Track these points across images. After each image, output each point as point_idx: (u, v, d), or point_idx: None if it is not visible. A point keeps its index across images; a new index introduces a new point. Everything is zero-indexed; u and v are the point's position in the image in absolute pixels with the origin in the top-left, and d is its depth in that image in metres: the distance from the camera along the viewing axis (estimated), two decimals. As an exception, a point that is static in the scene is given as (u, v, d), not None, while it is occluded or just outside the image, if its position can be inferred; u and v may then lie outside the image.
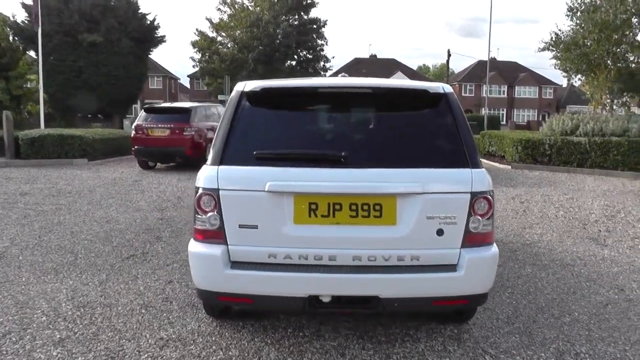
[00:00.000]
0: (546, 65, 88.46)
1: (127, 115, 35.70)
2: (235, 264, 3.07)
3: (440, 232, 3.07)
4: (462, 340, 3.50)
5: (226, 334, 3.55)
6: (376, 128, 3.39)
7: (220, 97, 28.50)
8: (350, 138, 3.35)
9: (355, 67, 69.31)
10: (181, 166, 14.08)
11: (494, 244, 3.22)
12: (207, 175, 3.15)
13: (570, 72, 20.67)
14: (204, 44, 40.16)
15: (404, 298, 3.05)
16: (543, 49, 21.09)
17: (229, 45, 40.38)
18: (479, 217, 3.11)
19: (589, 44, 18.70)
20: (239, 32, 39.41)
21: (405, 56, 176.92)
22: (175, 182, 11.36)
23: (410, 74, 69.17)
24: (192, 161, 13.36)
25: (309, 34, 41.61)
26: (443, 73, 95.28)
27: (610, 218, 7.82)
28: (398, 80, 4.76)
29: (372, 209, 3.05)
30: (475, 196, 3.09)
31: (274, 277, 3.02)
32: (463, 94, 60.79)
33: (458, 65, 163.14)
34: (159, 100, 46.60)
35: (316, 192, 3.05)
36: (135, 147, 13.30)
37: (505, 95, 63.38)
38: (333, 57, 47.93)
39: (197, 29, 42.77)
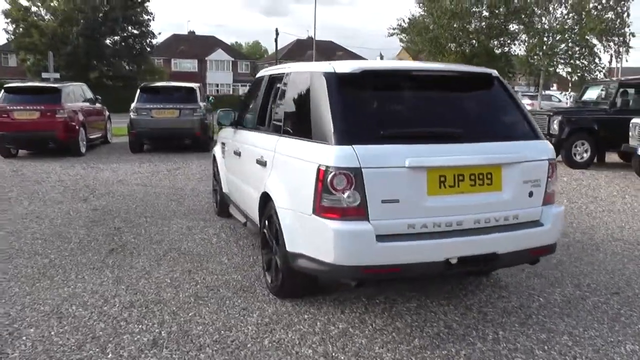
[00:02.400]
0: (358, 44, 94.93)
1: None
2: (380, 237, 3.23)
3: (530, 194, 3.63)
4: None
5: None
6: (468, 106, 3.79)
7: (44, 75, 25.26)
8: (453, 116, 3.71)
9: (175, 44, 66.83)
10: (47, 152, 12.58)
11: None
12: (341, 154, 3.19)
13: (421, 53, 23.11)
14: (17, 14, 34.94)
15: (514, 252, 3.54)
16: (392, 34, 23.27)
17: (47, 18, 35.76)
18: (552, 180, 3.76)
19: (433, 28, 21.16)
20: (56, 1, 35.15)
21: (214, 32, 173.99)
22: (59, 170, 10.25)
23: (228, 49, 69.14)
24: (64, 146, 12.07)
25: (134, 8, 38.94)
26: (257, 51, 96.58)
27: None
28: (461, 65, 5.23)
29: (485, 177, 3.47)
30: (550, 162, 3.73)
31: (417, 245, 3.26)
32: (287, 72, 62.53)
33: (270, 43, 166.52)
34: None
35: (445, 166, 3.35)
36: (-4, 132, 11.44)
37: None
38: (159, 34, 45.38)
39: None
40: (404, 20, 22.94)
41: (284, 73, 4.43)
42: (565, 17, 20.68)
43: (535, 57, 21.20)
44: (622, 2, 19.99)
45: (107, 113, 15.21)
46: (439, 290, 4.14)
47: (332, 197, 3.21)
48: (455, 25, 21.00)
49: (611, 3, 20.10)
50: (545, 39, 20.64)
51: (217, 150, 6.56)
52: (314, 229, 3.33)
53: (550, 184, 3.72)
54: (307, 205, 3.37)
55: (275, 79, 4.73)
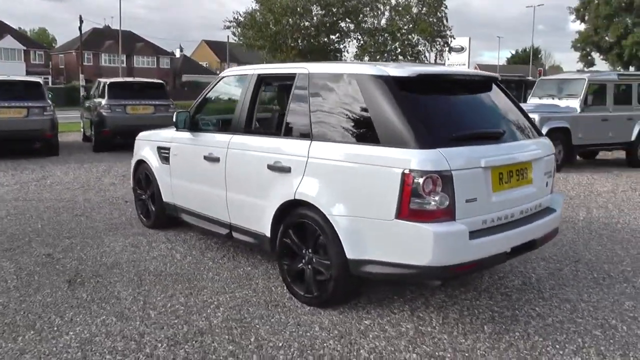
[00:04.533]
0: (161, 35, 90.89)
1: None
2: (470, 235, 3.34)
3: (547, 184, 4.11)
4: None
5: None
6: (498, 108, 4.08)
7: None
8: (493, 117, 3.97)
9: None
10: None
11: None
12: (431, 158, 3.22)
13: (262, 49, 23.00)
14: None
15: (542, 237, 3.96)
16: (228, 27, 22.81)
17: None
18: (554, 171, 4.30)
19: (272, 25, 21.34)
20: None
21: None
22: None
23: (19, 36, 60.66)
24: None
25: None
26: (44, 39, 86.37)
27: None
28: (473, 70, 5.43)
29: (523, 172, 3.82)
30: (554, 156, 4.27)
31: (494, 239, 3.45)
32: (85, 64, 57.03)
33: (58, 31, 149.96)
34: None
35: (504, 164, 3.62)
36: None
37: (125, 65, 62.67)
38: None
39: None
40: (240, 14, 22.83)
41: (293, 73, 4.20)
42: (395, 19, 22.72)
43: (366, 54, 22.91)
44: (441, 8, 22.78)
45: None
46: (451, 286, 4.38)
47: (421, 201, 3.23)
48: (291, 21, 21.58)
49: (432, 9, 22.71)
50: (377, 37, 22.43)
51: (147, 155, 5.88)
52: (398, 233, 3.31)
53: (554, 174, 4.24)
54: (386, 210, 3.33)
55: (274, 80, 4.46)
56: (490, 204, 3.52)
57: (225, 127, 4.84)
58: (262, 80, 4.58)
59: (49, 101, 11.23)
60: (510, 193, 3.67)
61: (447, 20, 22.89)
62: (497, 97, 4.16)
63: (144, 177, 6.03)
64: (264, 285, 4.33)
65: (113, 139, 12.27)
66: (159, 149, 5.65)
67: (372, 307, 3.90)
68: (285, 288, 4.18)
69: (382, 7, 22.66)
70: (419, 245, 3.25)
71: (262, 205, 4.19)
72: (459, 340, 3.42)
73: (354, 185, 3.54)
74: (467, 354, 3.26)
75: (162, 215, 5.81)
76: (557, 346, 3.38)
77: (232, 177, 4.54)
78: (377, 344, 3.34)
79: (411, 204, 3.24)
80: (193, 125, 5.14)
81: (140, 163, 6.07)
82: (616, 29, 27.74)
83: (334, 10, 21.52)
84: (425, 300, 4.04)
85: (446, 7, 22.57)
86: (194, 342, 3.35)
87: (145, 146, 6.00)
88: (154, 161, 5.74)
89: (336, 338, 3.42)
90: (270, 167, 4.09)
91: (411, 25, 22.32)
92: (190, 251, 5.21)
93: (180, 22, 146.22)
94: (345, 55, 23.87)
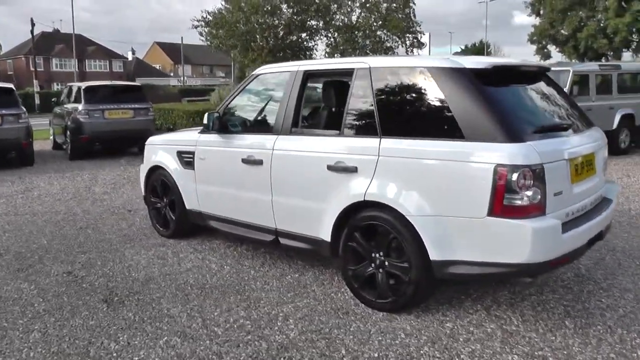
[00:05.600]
0: (109, 38, 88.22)
1: None
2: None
3: (604, 174, 4.06)
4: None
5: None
6: (555, 98, 3.98)
7: None
8: (559, 108, 3.88)
9: None
10: None
11: None
12: (525, 152, 3.09)
13: (234, 49, 22.44)
14: None
15: (605, 228, 3.91)
16: (196, 27, 22.18)
17: None
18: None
19: (242, 25, 20.90)
20: None
21: None
22: None
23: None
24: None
25: None
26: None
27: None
28: (532, 61, 5.33)
29: (591, 163, 3.75)
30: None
31: (580, 231, 3.35)
32: (38, 69, 54.55)
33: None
34: None
35: (580, 155, 3.53)
36: None
37: (77, 70, 60.37)
38: None
39: None
40: (208, 13, 22.26)
41: (350, 69, 3.99)
42: (366, 16, 22.69)
43: (337, 52, 22.77)
44: (409, 4, 22.93)
45: None
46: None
47: (515, 196, 3.09)
48: (261, 20, 21.21)
49: (400, 5, 22.81)
50: (349, 35, 22.33)
51: (163, 161, 5.53)
52: (490, 231, 3.16)
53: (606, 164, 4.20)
54: (476, 208, 3.18)
55: (324, 76, 4.24)
56: (571, 196, 3.43)
57: (266, 127, 4.57)
58: (309, 77, 4.35)
59: (22, 107, 10.55)
60: (584, 184, 3.60)
61: (414, 16, 23.13)
62: (551, 87, 4.08)
63: (160, 184, 5.67)
64: (322, 292, 4.10)
65: (91, 146, 11.67)
66: (180, 153, 5.31)
67: (444, 308, 3.75)
68: (348, 294, 3.98)
69: (351, 4, 22.62)
70: (515, 243, 3.11)
71: (320, 208, 3.96)
72: (550, 338, 3.31)
73: (437, 182, 3.36)
74: (565, 352, 3.15)
75: (184, 224, 5.48)
76: (645, 337, 3.32)
77: (279, 180, 4.28)
78: (473, 348, 3.19)
79: (505, 200, 3.10)
80: (223, 127, 4.85)
81: (155, 169, 5.71)
82: (571, 22, 28.74)
83: (305, 7, 21.30)
84: (493, 298, 3.92)
85: (414, 4, 22.85)
86: (281, 358, 3.11)
87: (160, 151, 5.65)
88: (173, 167, 5.40)
89: (429, 344, 3.24)
90: (330, 168, 3.86)
91: (380, 22, 22.38)
92: (225, 260, 4.92)
93: (128, 25, 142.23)
94: (315, 53, 23.76)
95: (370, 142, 3.68)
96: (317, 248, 4.09)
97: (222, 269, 4.68)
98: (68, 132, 11.65)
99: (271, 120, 4.51)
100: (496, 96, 3.37)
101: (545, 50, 32.51)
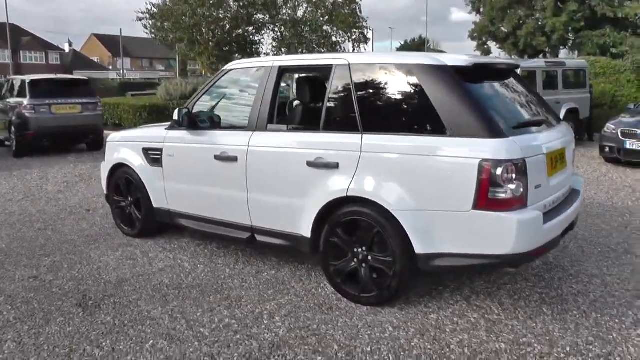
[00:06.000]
0: (45, 28, 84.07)
1: None
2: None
3: (571, 164, 4.26)
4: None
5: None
6: (526, 94, 4.12)
7: None
8: (533, 105, 4.01)
9: None
10: None
11: None
12: (508, 147, 3.19)
13: (178, 42, 21.79)
14: None
15: (575, 219, 4.10)
16: (140, 19, 21.41)
17: None
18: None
19: (187, 19, 20.39)
20: None
21: None
22: None
23: None
24: None
25: None
26: None
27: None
28: (505, 60, 5.46)
29: (562, 157, 3.92)
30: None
31: (556, 223, 3.51)
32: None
33: None
34: None
35: (556, 149, 3.68)
36: None
37: (11, 61, 57.26)
38: None
39: None
40: (153, 5, 21.54)
41: (329, 65, 3.99)
42: (312, 11, 22.61)
43: (284, 46, 22.60)
44: (355, 0, 23.11)
45: None
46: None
47: (500, 190, 3.20)
48: (207, 13, 20.75)
49: (347, 0, 22.91)
50: (296, 29, 22.19)
51: (128, 158, 5.35)
52: (476, 224, 3.26)
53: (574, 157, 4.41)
54: (462, 202, 3.27)
55: (299, 71, 4.21)
56: (549, 189, 3.58)
57: (240, 123, 4.50)
58: (284, 73, 4.31)
59: (98, 97, 10.65)
60: (558, 177, 3.76)
61: (360, 12, 23.32)
62: (521, 84, 4.23)
63: (123, 183, 5.48)
64: (302, 288, 4.10)
65: (38, 142, 11.11)
66: (146, 150, 5.15)
67: (426, 300, 3.83)
68: (328, 289, 4.00)
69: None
70: (500, 235, 3.22)
71: (299, 204, 3.95)
72: (531, 325, 3.46)
73: (421, 177, 3.42)
74: (547, 337, 3.30)
75: (151, 223, 5.33)
76: (617, 320, 3.52)
77: (255, 177, 4.24)
78: (461, 338, 3.29)
79: (489, 193, 3.20)
80: (193, 123, 4.74)
81: (118, 167, 5.52)
82: (511, 20, 29.79)
83: (251, 1, 21.02)
84: (470, 288, 4.04)
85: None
86: (275, 357, 3.09)
87: (124, 148, 5.46)
88: (138, 164, 5.23)
89: (418, 336, 3.31)
90: (310, 164, 3.85)
91: (327, 17, 22.41)
92: (197, 259, 4.82)
93: (61, 14, 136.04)
94: (261, 47, 23.54)
95: (352, 138, 3.70)
96: (296, 245, 4.08)
97: (196, 268, 4.59)
98: (12, 128, 11.05)
99: (245, 116, 4.44)
100: (477, 93, 3.47)
101: (486, 46, 33.60)
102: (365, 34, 23.99)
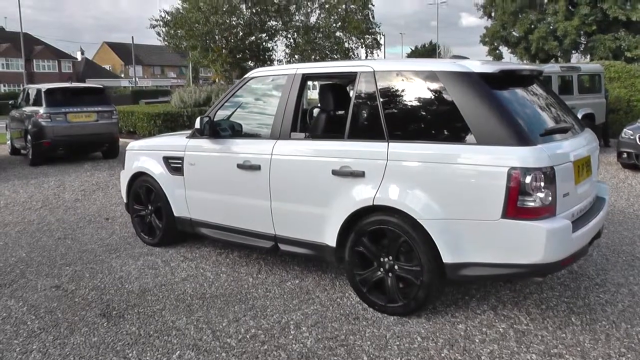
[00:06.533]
0: (58, 37, 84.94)
1: None
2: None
3: (596, 171, 4.20)
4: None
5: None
6: (552, 101, 4.09)
7: None
8: (559, 111, 3.97)
9: None
10: None
11: None
12: (537, 155, 3.16)
13: (191, 49, 21.95)
14: None
15: (601, 227, 4.04)
16: (154, 27, 21.61)
17: None
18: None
19: (201, 24, 20.53)
20: None
21: None
22: None
23: None
24: None
25: None
26: None
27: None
28: (531, 65, 5.36)
29: (588, 164, 3.86)
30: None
31: (585, 231, 3.47)
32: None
33: None
34: None
35: (582, 157, 3.64)
36: None
37: (24, 70, 57.93)
38: None
39: None
40: (167, 13, 21.75)
41: (353, 72, 3.97)
42: (325, 18, 22.71)
43: (297, 53, 22.71)
44: (368, 6, 23.17)
45: None
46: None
47: (528, 199, 3.16)
48: (220, 21, 20.90)
49: (360, 7, 22.99)
50: (309, 36, 22.30)
51: (148, 167, 5.35)
52: (505, 233, 3.22)
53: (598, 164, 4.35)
54: (490, 210, 3.23)
55: (323, 79, 4.19)
56: (576, 197, 3.53)
57: (263, 132, 4.50)
58: (307, 80, 4.30)
59: (113, 105, 10.73)
60: (584, 185, 3.71)
61: (373, 17, 23.40)
62: (545, 90, 4.19)
63: (144, 191, 5.50)
64: (327, 298, 4.07)
65: (54, 151, 11.19)
66: (167, 158, 5.16)
67: (452, 310, 3.79)
68: (354, 299, 3.97)
69: (310, 5, 22.61)
70: (530, 243, 3.18)
71: (324, 213, 3.93)
72: (561, 335, 3.40)
73: (449, 186, 3.39)
74: (579, 348, 3.24)
75: (172, 232, 5.33)
76: (647, 331, 3.45)
77: (278, 185, 4.22)
78: (491, 348, 3.24)
79: (518, 202, 3.16)
80: (214, 132, 4.74)
81: (138, 176, 5.53)
82: (523, 24, 29.71)
83: (264, 8, 21.15)
84: (496, 297, 3.99)
85: (373, 5, 23.11)
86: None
87: (143, 157, 5.48)
88: (159, 173, 5.24)
89: (447, 347, 3.27)
90: (335, 173, 3.83)
91: (339, 23, 22.50)
92: (219, 268, 4.81)
93: (73, 23, 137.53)
94: (275, 54, 23.65)
95: (378, 147, 3.67)
96: (320, 254, 4.06)
97: (219, 277, 4.57)
98: (28, 137, 11.13)
99: (268, 124, 4.43)
100: (504, 100, 3.44)
101: (497, 51, 33.50)
102: (378, 39, 24.02)
